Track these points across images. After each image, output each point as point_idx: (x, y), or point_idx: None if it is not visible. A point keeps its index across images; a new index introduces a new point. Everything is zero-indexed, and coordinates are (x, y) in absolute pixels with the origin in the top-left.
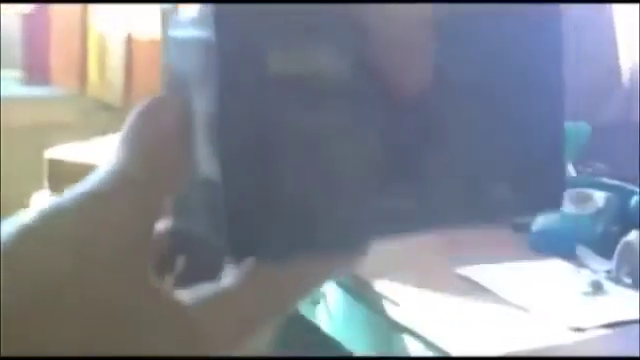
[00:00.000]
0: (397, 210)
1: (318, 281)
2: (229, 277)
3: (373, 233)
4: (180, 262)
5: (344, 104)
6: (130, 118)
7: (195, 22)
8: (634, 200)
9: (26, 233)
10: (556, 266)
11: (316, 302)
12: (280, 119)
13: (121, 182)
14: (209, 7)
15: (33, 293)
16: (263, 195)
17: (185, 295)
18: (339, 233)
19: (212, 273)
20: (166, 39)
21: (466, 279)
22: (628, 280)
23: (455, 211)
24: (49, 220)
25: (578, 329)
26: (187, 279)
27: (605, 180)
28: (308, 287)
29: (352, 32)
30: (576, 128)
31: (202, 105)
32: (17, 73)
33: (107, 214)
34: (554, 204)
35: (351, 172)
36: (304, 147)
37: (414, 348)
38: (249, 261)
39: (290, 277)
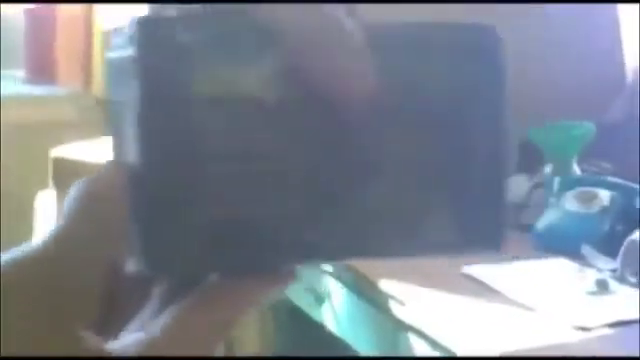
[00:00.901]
0: (325, 237)
1: (242, 308)
2: (154, 325)
3: (297, 258)
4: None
5: (270, 126)
6: (77, 187)
7: (127, 41)
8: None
9: None
10: (561, 265)
11: (321, 301)
12: (202, 138)
13: (63, 244)
14: (135, 25)
15: None
16: (182, 213)
17: (113, 346)
18: (259, 255)
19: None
20: (104, 62)
21: (471, 278)
22: (633, 279)
23: (387, 242)
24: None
25: (583, 328)
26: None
27: (610, 179)
28: (233, 316)
29: (278, 52)
30: (581, 127)
31: (129, 121)
32: (21, 72)
33: (47, 273)
34: (492, 245)
35: (275, 195)
36: (226, 167)
37: (419, 347)
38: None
39: (213, 310)
